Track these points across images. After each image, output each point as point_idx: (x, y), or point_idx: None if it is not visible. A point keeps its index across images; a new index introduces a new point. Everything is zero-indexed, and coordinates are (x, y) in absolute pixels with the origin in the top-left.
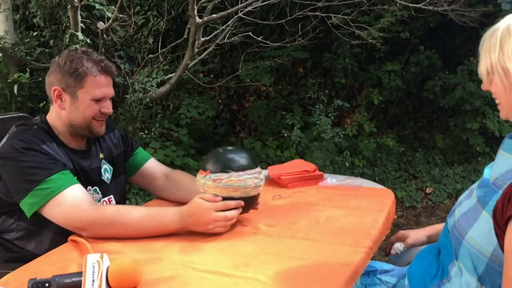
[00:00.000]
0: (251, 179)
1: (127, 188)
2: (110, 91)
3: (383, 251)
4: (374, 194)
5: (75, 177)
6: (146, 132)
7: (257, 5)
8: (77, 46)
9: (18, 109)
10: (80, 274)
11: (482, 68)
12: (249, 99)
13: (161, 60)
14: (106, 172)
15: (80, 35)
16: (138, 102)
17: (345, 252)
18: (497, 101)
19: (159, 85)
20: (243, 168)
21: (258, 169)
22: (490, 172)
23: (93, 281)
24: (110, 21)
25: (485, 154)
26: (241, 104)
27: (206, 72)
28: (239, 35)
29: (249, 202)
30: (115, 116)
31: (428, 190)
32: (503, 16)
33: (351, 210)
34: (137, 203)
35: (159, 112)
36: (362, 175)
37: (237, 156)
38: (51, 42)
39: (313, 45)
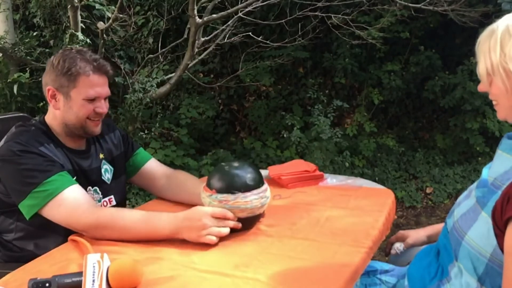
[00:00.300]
0: (257, 199)
1: (127, 188)
2: (105, 91)
3: (383, 251)
4: (374, 194)
5: (74, 178)
6: (146, 132)
7: (257, 5)
8: (75, 46)
9: (18, 109)
10: (80, 274)
11: (482, 69)
12: (249, 99)
13: (161, 60)
14: (107, 172)
15: (80, 35)
16: (138, 102)
17: (345, 252)
18: (494, 102)
19: (159, 85)
20: (249, 189)
21: (265, 186)
22: (488, 172)
23: (93, 281)
24: (110, 21)
25: (485, 154)
26: (241, 104)
27: (206, 72)
28: (239, 35)
29: (254, 220)
30: (115, 116)
31: (428, 190)
32: (502, 16)
33: (351, 210)
34: (137, 203)
35: (159, 112)
36: (362, 175)
37: (243, 175)
38: (51, 42)
39: (313, 45)
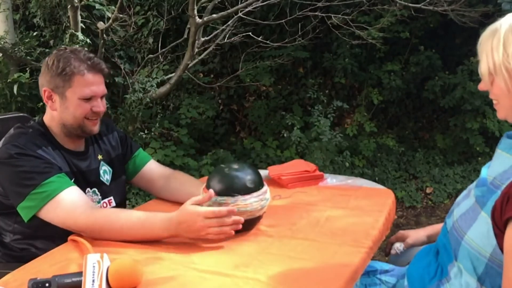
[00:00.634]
0: (257, 201)
1: (126, 188)
2: (100, 89)
3: (383, 251)
4: (374, 194)
5: (72, 180)
6: (146, 132)
7: (257, 5)
8: (74, 46)
9: (18, 109)
10: (80, 274)
11: (484, 68)
12: (249, 99)
13: (161, 60)
14: (105, 173)
15: (80, 35)
16: (138, 102)
17: (345, 252)
18: (495, 102)
19: (159, 85)
20: (249, 191)
21: (264, 188)
22: (487, 171)
23: (93, 281)
24: (110, 21)
25: (485, 154)
26: (241, 104)
27: (206, 72)
28: (239, 35)
29: (254, 222)
30: (115, 116)
31: (428, 190)
32: (503, 16)
33: (351, 210)
34: (137, 203)
35: (159, 112)
36: (362, 175)
37: (243, 177)
38: (51, 42)
39: (313, 45)
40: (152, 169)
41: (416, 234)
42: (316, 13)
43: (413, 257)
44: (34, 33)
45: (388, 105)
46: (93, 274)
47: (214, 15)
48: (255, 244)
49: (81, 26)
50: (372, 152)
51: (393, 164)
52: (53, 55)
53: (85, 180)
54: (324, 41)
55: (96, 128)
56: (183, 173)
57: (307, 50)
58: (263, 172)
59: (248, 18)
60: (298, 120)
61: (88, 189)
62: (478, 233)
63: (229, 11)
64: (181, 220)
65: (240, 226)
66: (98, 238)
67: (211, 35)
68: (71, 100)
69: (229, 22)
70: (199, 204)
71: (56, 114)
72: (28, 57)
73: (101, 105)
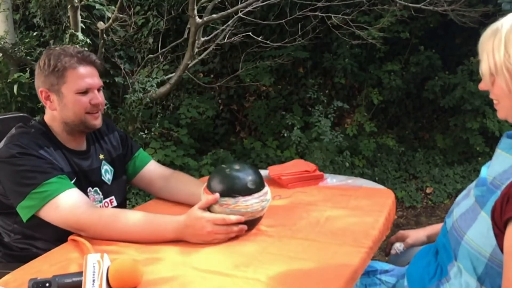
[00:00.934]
0: (258, 202)
1: (127, 188)
2: (95, 81)
3: (383, 251)
4: (374, 194)
5: (74, 179)
6: (146, 132)
7: (257, 5)
8: (75, 45)
9: (18, 109)
10: (80, 274)
11: (485, 69)
12: (249, 99)
13: (161, 60)
14: (107, 173)
15: (80, 35)
16: (138, 102)
17: (345, 253)
18: (495, 102)
19: (159, 85)
20: (250, 192)
21: (265, 189)
22: (487, 171)
23: (93, 281)
24: (110, 21)
25: (485, 154)
26: (241, 104)
27: (206, 72)
28: (239, 35)
29: (255, 222)
30: (115, 116)
31: (428, 190)
32: (503, 16)
33: (351, 210)
34: (137, 203)
35: (159, 112)
36: (362, 175)
37: (244, 178)
38: (51, 42)
39: (313, 45)
40: (152, 170)
41: (416, 234)
42: (316, 13)
43: (413, 257)
44: (34, 33)
45: (388, 105)
46: (93, 274)
47: (214, 15)
48: (255, 244)
49: (81, 26)
50: (372, 152)
51: (393, 164)
52: (43, 55)
53: (87, 179)
54: (324, 41)
55: (98, 122)
56: (183, 173)
57: (307, 50)
58: (263, 172)
59: (248, 18)
60: (298, 120)
61: (90, 188)
62: (478, 233)
63: (229, 11)
64: (189, 224)
65: (244, 232)
66: (99, 238)
67: (211, 35)
68: (68, 96)
69: (229, 22)
70: (204, 206)
71: (56, 113)
72: (28, 57)
73: (99, 97)
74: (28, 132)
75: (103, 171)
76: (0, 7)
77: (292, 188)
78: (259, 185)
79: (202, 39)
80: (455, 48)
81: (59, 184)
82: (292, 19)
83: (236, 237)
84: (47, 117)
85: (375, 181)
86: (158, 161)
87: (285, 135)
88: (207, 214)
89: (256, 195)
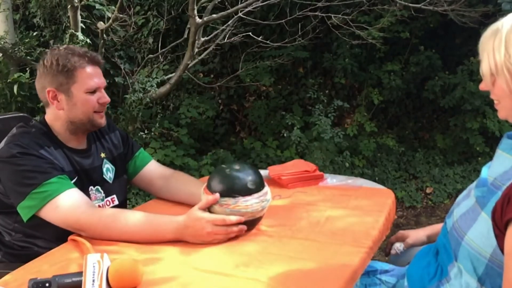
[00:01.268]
0: (258, 203)
1: (127, 187)
2: (102, 81)
3: (383, 251)
4: (374, 194)
5: (75, 179)
6: (146, 132)
7: (257, 5)
8: (75, 45)
9: (18, 109)
10: (80, 274)
11: (485, 69)
12: (249, 99)
13: (161, 60)
14: (108, 171)
15: (80, 35)
16: (138, 102)
17: (345, 253)
18: (496, 102)
19: (159, 85)
20: (250, 192)
21: (265, 189)
22: (488, 171)
23: (93, 281)
24: (110, 21)
25: (485, 154)
26: (241, 104)
27: (206, 72)
28: (239, 35)
29: (255, 222)
30: (115, 116)
31: (428, 190)
32: (503, 16)
33: (351, 210)
34: (137, 203)
35: (159, 112)
36: (362, 175)
37: (244, 178)
38: (51, 42)
39: (313, 45)
40: (152, 169)
41: (416, 234)
42: (316, 13)
43: (413, 257)
44: (34, 33)
45: (388, 105)
46: (93, 274)
47: (214, 15)
48: (255, 244)
49: (81, 26)
50: (372, 152)
51: (393, 164)
52: (48, 55)
53: (88, 178)
54: (324, 41)
55: (103, 121)
56: (183, 173)
57: (307, 50)
58: (263, 172)
59: (248, 18)
60: (298, 120)
61: (91, 187)
62: (478, 234)
63: (229, 11)
64: (189, 224)
65: (244, 232)
66: (99, 238)
67: (211, 35)
68: (78, 95)
69: (229, 22)
70: (204, 207)
71: (63, 113)
72: (28, 57)
73: (106, 96)
74: (28, 132)
75: (104, 169)
76: (0, 7)
77: (292, 188)
78: (259, 185)
79: (202, 39)
80: (455, 48)
81: (59, 184)
82: (292, 19)
83: (236, 237)
84: (48, 117)
85: (375, 181)
86: (158, 161)
87: (285, 135)
88: (207, 215)
89: (256, 195)
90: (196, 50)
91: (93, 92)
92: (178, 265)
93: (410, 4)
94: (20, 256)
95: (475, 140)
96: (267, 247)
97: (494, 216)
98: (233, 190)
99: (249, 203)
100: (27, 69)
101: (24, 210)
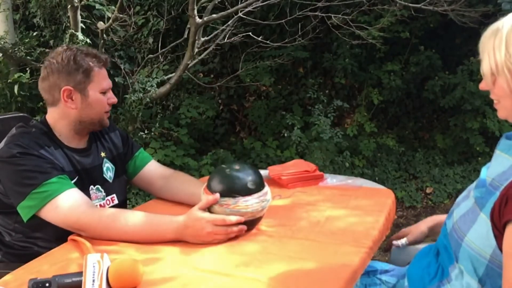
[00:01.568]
0: (258, 203)
1: (127, 188)
2: (110, 82)
3: (384, 251)
4: (374, 194)
5: (76, 178)
6: (146, 132)
7: (257, 5)
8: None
9: (18, 109)
10: (80, 274)
11: (486, 68)
12: (249, 99)
13: (161, 60)
14: (109, 170)
15: (80, 35)
16: (138, 102)
17: (345, 252)
18: (495, 101)
19: (159, 85)
20: (250, 192)
21: (265, 189)
22: (487, 172)
23: (93, 281)
24: (110, 21)
25: (485, 154)
26: (241, 104)
27: (206, 72)
28: (239, 35)
29: (255, 222)
30: (115, 116)
31: (428, 190)
32: (503, 16)
33: (351, 210)
34: (137, 203)
35: (159, 112)
36: (362, 175)
37: (244, 178)
38: (51, 42)
39: (313, 45)
40: (152, 169)
41: (417, 229)
42: (316, 13)
43: (413, 257)
44: (34, 33)
45: (388, 105)
46: (93, 274)
47: (214, 15)
48: (255, 244)
49: (81, 26)
50: (372, 152)
51: (393, 164)
52: (62, 53)
53: (89, 177)
54: (324, 41)
55: (108, 120)
56: (183, 173)
57: (307, 50)
58: (263, 172)
59: (248, 18)
60: (298, 120)
61: (92, 186)
62: (478, 235)
63: (229, 11)
64: (189, 224)
65: (244, 232)
66: (99, 238)
67: (211, 35)
68: (94, 95)
69: (229, 22)
70: (204, 207)
71: (74, 112)
72: (28, 57)
73: (114, 96)
74: (29, 132)
75: (104, 168)
76: (0, 7)
77: (292, 188)
78: (259, 185)
79: (202, 39)
80: (455, 48)
81: (59, 184)
82: (292, 19)
83: (236, 237)
84: (51, 116)
85: (375, 181)
86: (158, 161)
87: (285, 135)
88: (207, 215)
89: (256, 195)
90: (196, 50)
91: (104, 92)
92: (178, 265)
93: (410, 4)
94: (20, 256)
95: (475, 140)
96: (267, 247)
97: (492, 217)
98: (233, 190)
99: (249, 203)
100: (27, 69)
101: (24, 210)
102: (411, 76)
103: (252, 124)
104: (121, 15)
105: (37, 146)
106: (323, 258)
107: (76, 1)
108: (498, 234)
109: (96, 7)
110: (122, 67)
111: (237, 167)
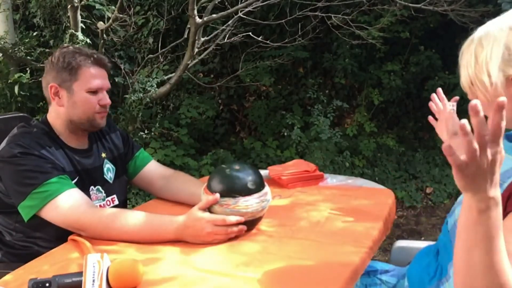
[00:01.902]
0: (258, 203)
1: (127, 187)
2: (105, 83)
3: (383, 251)
4: (374, 194)
5: (76, 179)
6: (146, 132)
7: (257, 5)
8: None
9: (18, 109)
10: (80, 274)
11: (463, 81)
12: (249, 99)
13: (161, 60)
14: (109, 171)
15: (80, 35)
16: (138, 102)
17: (345, 252)
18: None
19: (159, 85)
20: (250, 193)
21: (265, 189)
22: None
23: (93, 281)
24: (110, 21)
25: None
26: (241, 104)
27: (206, 72)
28: (239, 35)
29: (255, 222)
30: (115, 116)
31: (428, 190)
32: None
33: (351, 210)
34: (137, 203)
35: (159, 112)
36: (362, 175)
37: (244, 178)
38: (51, 42)
39: (313, 45)
40: (153, 169)
41: None
42: (316, 13)
43: (413, 257)
44: (34, 33)
45: (388, 105)
46: (93, 274)
47: (214, 15)
48: (255, 244)
49: (81, 26)
50: (372, 152)
51: (393, 164)
52: (57, 52)
53: (89, 177)
54: (324, 41)
55: (104, 122)
56: (184, 173)
57: (307, 50)
58: (263, 172)
59: (248, 18)
60: (298, 120)
61: (92, 187)
62: None
63: (229, 11)
64: (189, 225)
65: (244, 232)
66: (100, 238)
67: (211, 35)
68: (79, 94)
69: (229, 22)
70: (204, 207)
71: (63, 111)
72: (28, 57)
73: (107, 98)
74: (30, 132)
75: (105, 169)
76: (0, 7)
77: (292, 188)
78: (259, 185)
79: (202, 39)
80: (455, 48)
81: (59, 184)
82: (292, 19)
83: (236, 237)
84: (50, 116)
85: (375, 181)
86: (158, 161)
87: (285, 134)
88: (207, 215)
89: (256, 195)
90: (196, 50)
91: (94, 92)
92: (178, 265)
93: (410, 4)
94: (21, 255)
95: None
96: (267, 247)
97: None
98: (233, 190)
99: (249, 203)
100: (27, 69)
101: (25, 210)
102: (411, 76)
103: (252, 124)
104: (121, 15)
105: (38, 146)
106: (323, 258)
107: (76, 1)
108: None
109: (96, 7)
110: (122, 67)
111: (237, 167)
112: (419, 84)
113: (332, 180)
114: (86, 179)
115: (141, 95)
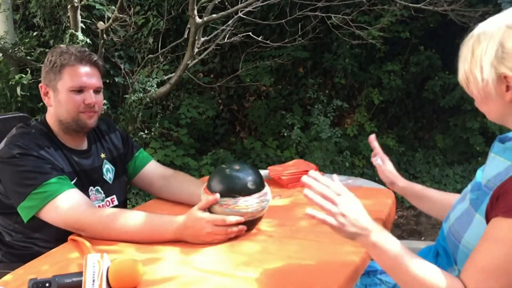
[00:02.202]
0: (258, 203)
1: (127, 188)
2: (92, 82)
3: None
4: (375, 194)
5: (75, 179)
6: (146, 132)
7: (257, 5)
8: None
9: (18, 109)
10: (80, 274)
11: (460, 76)
12: (249, 99)
13: (161, 60)
14: (108, 172)
15: (80, 35)
16: (138, 102)
17: (345, 252)
18: (477, 107)
19: (159, 85)
20: (250, 193)
21: (265, 189)
22: (482, 175)
23: (93, 281)
24: (110, 21)
25: (485, 154)
26: (241, 104)
27: (206, 72)
28: (239, 35)
29: (255, 222)
30: (115, 116)
31: None
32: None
33: None
34: (137, 203)
35: (159, 112)
36: (362, 175)
37: (244, 178)
38: (51, 42)
39: (313, 45)
40: (152, 170)
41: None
42: (316, 13)
43: None
44: (34, 33)
45: (388, 105)
46: (93, 274)
47: (214, 15)
48: (255, 244)
49: (81, 26)
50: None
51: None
52: (48, 53)
53: (88, 178)
54: (324, 41)
55: (91, 122)
56: (183, 173)
57: (307, 50)
58: (263, 172)
59: (248, 18)
60: (298, 120)
61: (91, 187)
62: (474, 235)
63: (229, 11)
64: (188, 225)
65: (244, 232)
66: (99, 238)
67: (211, 35)
68: (62, 93)
69: (229, 22)
70: (204, 207)
71: (52, 110)
72: (28, 57)
73: (92, 97)
74: (28, 133)
75: (104, 170)
76: (0, 7)
77: (292, 188)
78: (259, 185)
79: (202, 39)
80: (455, 48)
81: (59, 185)
82: (292, 19)
83: (236, 237)
84: (47, 116)
85: (375, 181)
86: (158, 161)
87: (285, 134)
88: (207, 215)
89: (256, 195)
90: (196, 50)
91: (78, 91)
92: (178, 265)
93: (410, 4)
94: (20, 256)
95: (475, 140)
96: (267, 247)
97: (486, 216)
98: (233, 190)
99: (249, 203)
100: (27, 69)
101: (24, 211)
102: (411, 76)
103: (252, 124)
104: (121, 15)
105: (37, 147)
106: (323, 258)
107: (76, 1)
108: None
109: (96, 7)
110: (122, 67)
111: (237, 167)
112: (419, 84)
113: None
114: (85, 180)
115: (141, 95)
